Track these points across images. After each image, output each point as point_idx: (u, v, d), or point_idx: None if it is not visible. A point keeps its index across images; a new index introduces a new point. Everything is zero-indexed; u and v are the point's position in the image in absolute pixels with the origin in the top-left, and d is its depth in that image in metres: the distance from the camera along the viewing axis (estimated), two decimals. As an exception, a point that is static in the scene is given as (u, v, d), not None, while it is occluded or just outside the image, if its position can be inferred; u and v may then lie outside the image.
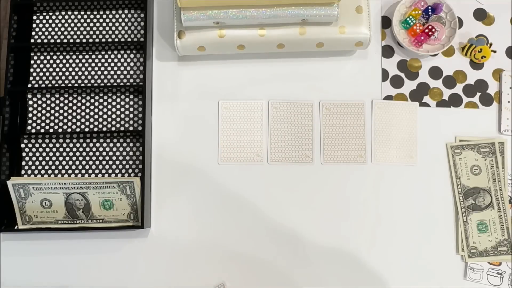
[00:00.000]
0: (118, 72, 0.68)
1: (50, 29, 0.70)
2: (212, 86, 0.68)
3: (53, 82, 0.68)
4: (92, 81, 0.68)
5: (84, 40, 0.69)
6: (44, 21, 0.70)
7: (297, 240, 0.64)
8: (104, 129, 0.67)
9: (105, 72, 0.69)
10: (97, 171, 0.66)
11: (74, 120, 0.67)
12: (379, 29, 0.71)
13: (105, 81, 0.68)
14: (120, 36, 0.69)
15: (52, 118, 0.67)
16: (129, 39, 0.69)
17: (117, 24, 0.70)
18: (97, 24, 0.70)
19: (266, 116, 0.68)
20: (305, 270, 0.64)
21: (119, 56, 0.69)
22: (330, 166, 0.67)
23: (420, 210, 0.66)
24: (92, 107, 0.68)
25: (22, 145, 0.67)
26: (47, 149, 0.67)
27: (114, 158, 0.66)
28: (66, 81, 0.68)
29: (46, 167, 0.66)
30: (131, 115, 0.68)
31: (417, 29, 0.68)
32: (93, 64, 0.69)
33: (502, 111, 0.68)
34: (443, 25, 0.69)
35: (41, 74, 0.68)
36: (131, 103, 0.68)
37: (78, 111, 0.68)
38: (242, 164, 0.67)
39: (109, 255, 0.64)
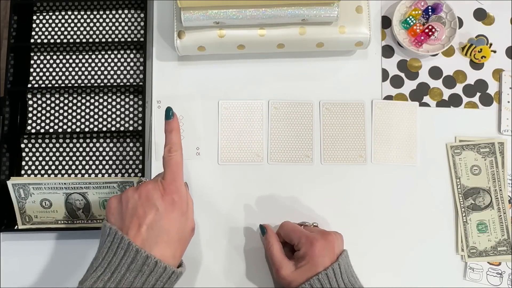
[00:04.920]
0: (118, 72, 0.68)
1: (50, 29, 0.70)
2: (212, 86, 0.68)
3: (53, 82, 0.68)
4: (92, 81, 0.68)
5: (84, 40, 0.69)
6: (44, 21, 0.70)
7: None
8: (104, 129, 0.67)
9: (105, 72, 0.68)
10: (97, 171, 0.66)
11: (74, 120, 0.67)
12: (379, 29, 0.71)
13: (105, 81, 0.68)
14: (120, 36, 0.69)
15: (52, 118, 0.67)
16: (129, 39, 0.69)
17: (117, 24, 0.70)
18: (97, 24, 0.70)
19: (266, 116, 0.68)
20: (305, 270, 0.64)
21: (119, 56, 0.69)
22: (330, 166, 0.67)
23: (420, 210, 0.66)
24: (92, 107, 0.68)
25: (22, 145, 0.67)
26: (47, 149, 0.67)
27: (114, 158, 0.66)
28: (66, 81, 0.68)
29: (46, 167, 0.66)
30: (131, 115, 0.68)
31: (417, 29, 0.68)
32: (93, 64, 0.69)
33: (502, 111, 0.68)
34: (443, 25, 0.69)
35: (41, 74, 0.68)
36: (131, 103, 0.68)
37: (78, 111, 0.68)
38: (242, 164, 0.67)
39: (109, 255, 0.64)
